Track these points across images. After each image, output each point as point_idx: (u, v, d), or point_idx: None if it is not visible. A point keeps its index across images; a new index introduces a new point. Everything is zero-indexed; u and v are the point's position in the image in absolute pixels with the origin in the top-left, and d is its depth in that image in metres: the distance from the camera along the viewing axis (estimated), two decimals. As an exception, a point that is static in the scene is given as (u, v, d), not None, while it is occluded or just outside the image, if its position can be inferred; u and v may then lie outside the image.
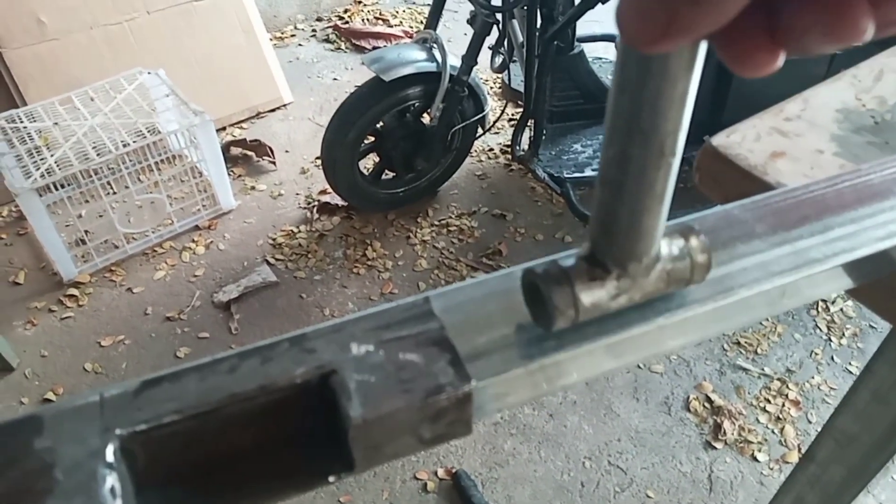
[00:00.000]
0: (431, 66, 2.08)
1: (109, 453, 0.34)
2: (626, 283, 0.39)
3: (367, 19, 3.74)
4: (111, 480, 0.33)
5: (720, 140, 0.62)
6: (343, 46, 3.47)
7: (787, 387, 1.88)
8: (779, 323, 2.06)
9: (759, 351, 1.98)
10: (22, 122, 2.28)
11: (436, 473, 1.71)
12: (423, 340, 0.39)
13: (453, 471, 1.70)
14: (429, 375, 0.37)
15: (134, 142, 2.21)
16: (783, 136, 0.61)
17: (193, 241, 2.35)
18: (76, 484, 0.33)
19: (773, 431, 1.79)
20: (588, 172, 2.13)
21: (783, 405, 1.84)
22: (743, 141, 0.60)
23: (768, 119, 0.64)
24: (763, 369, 1.93)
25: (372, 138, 2.27)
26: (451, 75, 2.09)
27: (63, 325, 2.10)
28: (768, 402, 1.85)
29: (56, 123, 2.27)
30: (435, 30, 2.13)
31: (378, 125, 2.22)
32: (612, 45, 2.87)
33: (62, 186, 2.29)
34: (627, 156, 0.35)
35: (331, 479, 0.38)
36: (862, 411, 0.77)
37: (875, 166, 0.52)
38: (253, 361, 0.38)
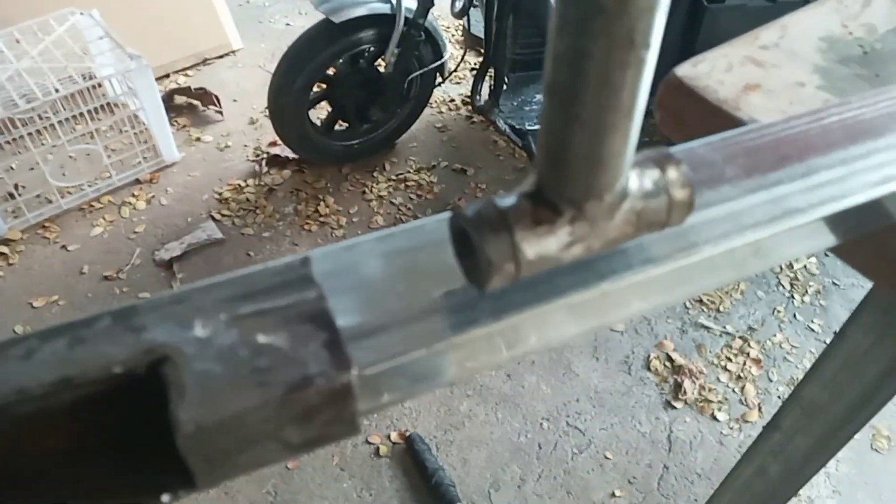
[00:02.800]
0: (385, 8, 1.95)
1: None
2: (583, 228, 0.29)
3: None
4: None
5: (685, 70, 0.53)
6: (297, -10, 3.28)
7: (749, 345, 1.85)
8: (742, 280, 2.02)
9: (721, 308, 1.94)
10: (-61, 64, 2.09)
11: (388, 437, 1.64)
12: (293, 315, 0.30)
13: (407, 434, 1.64)
14: (294, 363, 0.28)
15: (65, 88, 2.04)
16: (758, 67, 0.52)
17: (133, 195, 2.21)
18: None
19: (733, 390, 1.76)
20: (550, 124, 2.04)
21: (744, 364, 1.81)
22: (712, 71, 0.51)
23: (741, 47, 0.55)
24: (725, 327, 1.89)
25: (323, 85, 2.14)
26: (406, 18, 1.95)
27: (-9, 285, 1.96)
28: (730, 360, 1.82)
29: (-23, 67, 2.09)
30: (389, -32, 1.99)
31: (329, 71, 2.08)
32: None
33: (-12, 136, 2.12)
34: (583, 50, 0.25)
35: (164, 498, 0.29)
36: (831, 380, 0.71)
37: (867, 99, 0.44)
38: (58, 344, 0.28)
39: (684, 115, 0.52)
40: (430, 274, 0.33)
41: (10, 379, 0.27)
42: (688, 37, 2.03)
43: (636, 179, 0.31)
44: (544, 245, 0.31)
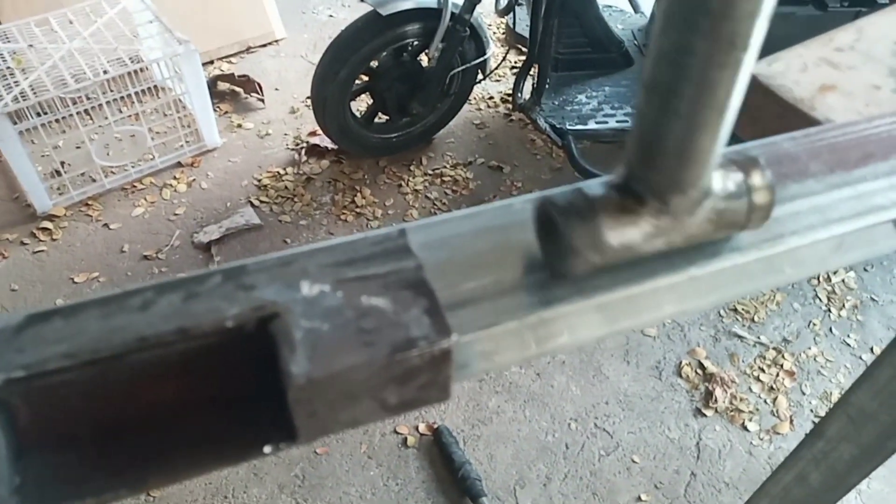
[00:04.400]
0: (432, 2, 1.96)
1: (-30, 407, 0.26)
2: (666, 222, 0.30)
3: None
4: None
5: (760, 68, 0.53)
6: (341, -18, 3.31)
7: (783, 357, 1.83)
8: (778, 291, 2.00)
9: (756, 319, 1.92)
10: (-7, 42, 2.14)
11: (416, 428, 1.65)
12: (394, 282, 0.31)
13: (435, 426, 1.65)
14: (398, 326, 0.29)
15: (114, 69, 2.08)
16: (833, 68, 0.52)
17: (175, 178, 2.25)
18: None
19: (765, 401, 1.74)
20: (591, 125, 2.03)
21: (777, 375, 1.79)
22: (787, 71, 0.52)
23: (816, 48, 0.55)
24: (759, 338, 1.87)
25: (366, 78, 2.16)
26: (452, 13, 1.96)
27: (35, 259, 2.01)
28: (762, 371, 1.80)
29: (31, 46, 2.14)
30: (437, -37, 1.99)
31: (373, 64, 2.10)
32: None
33: (37, 115, 2.17)
34: (686, 48, 0.26)
35: (266, 450, 0.30)
36: (883, 388, 0.70)
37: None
38: (174, 297, 0.30)
39: (758, 113, 0.52)
40: (518, 250, 0.34)
41: (129, 328, 0.28)
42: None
43: (720, 180, 0.32)
44: (627, 235, 0.31)
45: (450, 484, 1.56)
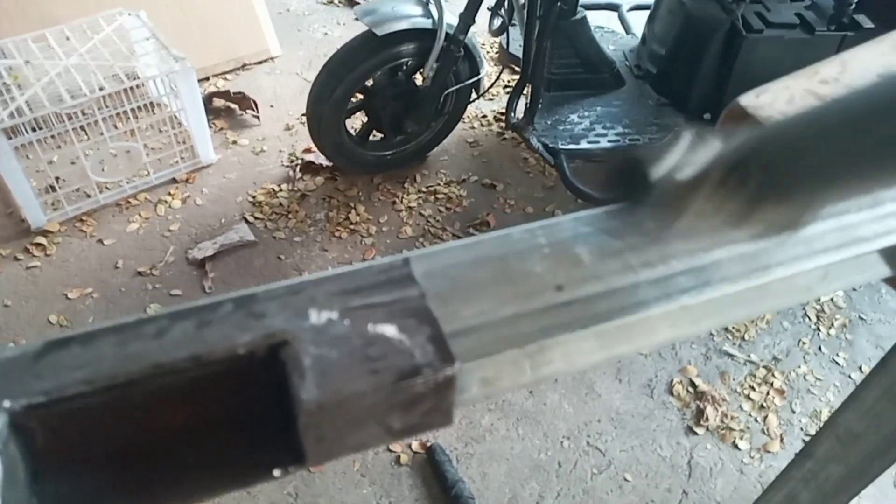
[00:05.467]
0: (427, 23, 1.99)
1: (-7, 432, 0.27)
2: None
3: (363, -25, 3.60)
4: (-10, 467, 0.26)
5: (749, 100, 0.55)
6: (336, 0, 3.34)
7: (773, 375, 1.84)
8: (768, 309, 2.02)
9: (746, 337, 1.94)
10: (-10, 58, 2.15)
11: (409, 446, 1.66)
12: (398, 310, 0.32)
13: (428, 445, 1.65)
14: (403, 353, 0.30)
15: (110, 86, 2.09)
16: (818, 101, 0.54)
17: (170, 194, 2.26)
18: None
19: (755, 420, 1.75)
20: (583, 145, 2.06)
21: (767, 393, 1.81)
22: (774, 102, 0.53)
23: (802, 81, 0.57)
24: (749, 356, 1.89)
25: (361, 96, 2.18)
26: (447, 34, 1.99)
27: (28, 275, 2.01)
28: (753, 389, 1.82)
29: (28, 62, 2.15)
30: (432, -15, 2.03)
31: (368, 82, 2.12)
32: (615, 14, 2.77)
33: (33, 130, 2.18)
34: None
35: (276, 473, 0.31)
36: (870, 409, 0.72)
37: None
38: (187, 325, 0.31)
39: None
40: (517, 279, 0.36)
41: (144, 355, 0.29)
42: (724, 65, 2.05)
43: None
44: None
45: (443, 502, 1.56)
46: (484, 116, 2.65)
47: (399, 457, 1.63)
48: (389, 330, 0.31)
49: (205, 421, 0.31)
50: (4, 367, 0.29)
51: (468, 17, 1.98)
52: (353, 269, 0.34)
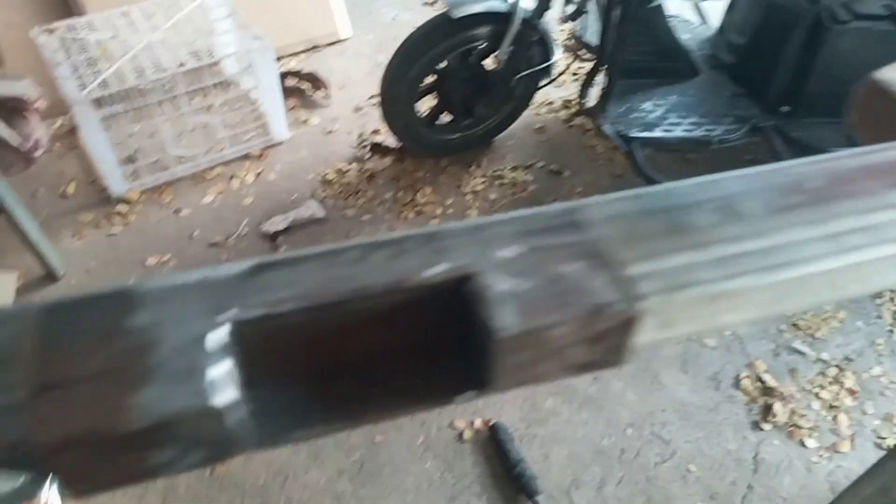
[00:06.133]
0: (503, 6, 1.99)
1: (221, 337, 0.29)
2: None
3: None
4: (222, 368, 0.28)
5: (885, 74, 0.54)
6: (405, -15, 3.36)
7: (845, 375, 1.80)
8: (841, 308, 1.97)
9: (817, 335, 1.89)
10: (78, 32, 2.24)
11: (472, 424, 1.68)
12: (578, 251, 0.34)
13: (491, 423, 1.67)
14: (590, 291, 0.32)
15: (191, 62, 2.16)
16: (962, 77, 0.53)
17: (244, 168, 2.32)
18: (180, 368, 0.28)
19: (825, 419, 1.71)
20: (657, 133, 2.03)
21: (838, 393, 1.76)
22: (916, 77, 0.53)
23: (942, 57, 0.56)
24: (820, 354, 1.85)
25: (433, 78, 2.19)
26: (522, 18, 1.99)
27: (109, 241, 2.10)
28: (822, 388, 1.78)
29: (114, 36, 2.23)
30: (509, -32, 2.02)
31: (441, 65, 2.13)
32: (689, 3, 2.72)
33: (117, 103, 2.26)
34: None
35: (458, 398, 0.33)
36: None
37: None
38: (381, 254, 0.33)
39: (883, 118, 0.53)
40: (689, 230, 0.36)
41: (348, 278, 0.31)
42: (807, 56, 1.99)
43: None
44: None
45: (505, 480, 1.57)
46: (551, 103, 2.64)
47: (462, 433, 1.65)
48: (572, 268, 0.32)
49: (396, 345, 0.33)
50: (220, 283, 0.31)
51: (545, 2, 1.97)
52: (527, 214, 0.35)
